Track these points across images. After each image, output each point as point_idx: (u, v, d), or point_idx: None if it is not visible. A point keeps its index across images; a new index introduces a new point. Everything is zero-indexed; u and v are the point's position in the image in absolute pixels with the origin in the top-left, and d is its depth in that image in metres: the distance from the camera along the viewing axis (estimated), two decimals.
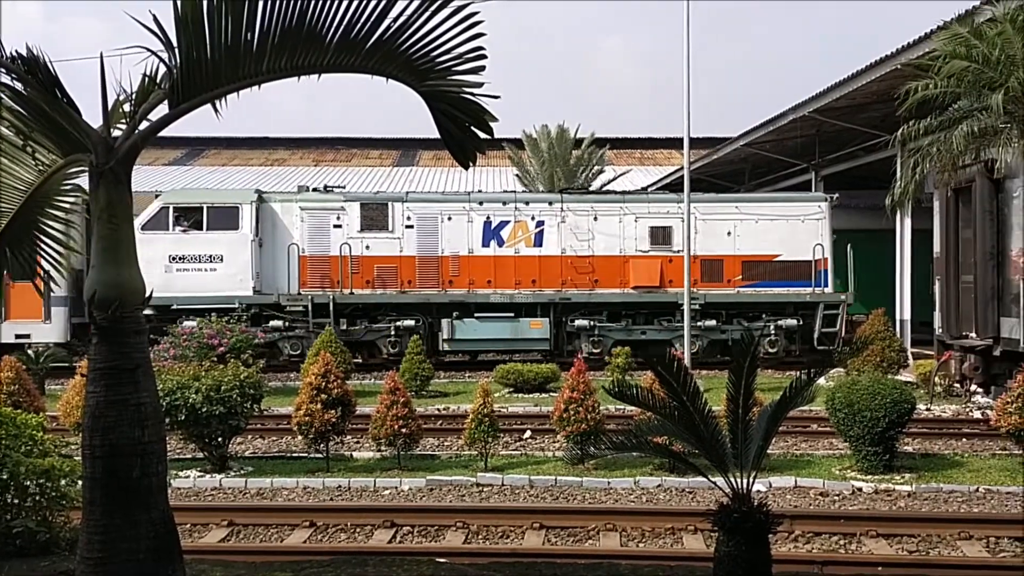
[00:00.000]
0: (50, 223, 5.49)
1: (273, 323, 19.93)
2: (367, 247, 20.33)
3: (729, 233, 20.63)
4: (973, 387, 15.43)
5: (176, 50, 4.31)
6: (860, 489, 9.56)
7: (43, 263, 5.60)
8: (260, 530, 8.29)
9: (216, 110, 4.60)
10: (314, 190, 21.69)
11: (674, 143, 44.39)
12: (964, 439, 12.50)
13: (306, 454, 11.39)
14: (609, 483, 9.82)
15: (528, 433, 12.97)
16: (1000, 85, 11.21)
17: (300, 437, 11.08)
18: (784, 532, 7.72)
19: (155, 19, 4.21)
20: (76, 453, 7.89)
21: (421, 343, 17.29)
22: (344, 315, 20.15)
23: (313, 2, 4.19)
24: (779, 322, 20.11)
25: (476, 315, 20.26)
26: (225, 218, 19.86)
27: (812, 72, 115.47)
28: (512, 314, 20.29)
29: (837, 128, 20.09)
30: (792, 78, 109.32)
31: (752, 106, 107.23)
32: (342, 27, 4.28)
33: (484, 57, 4.43)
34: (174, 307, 19.15)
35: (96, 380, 4.51)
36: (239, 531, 8.28)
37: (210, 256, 19.67)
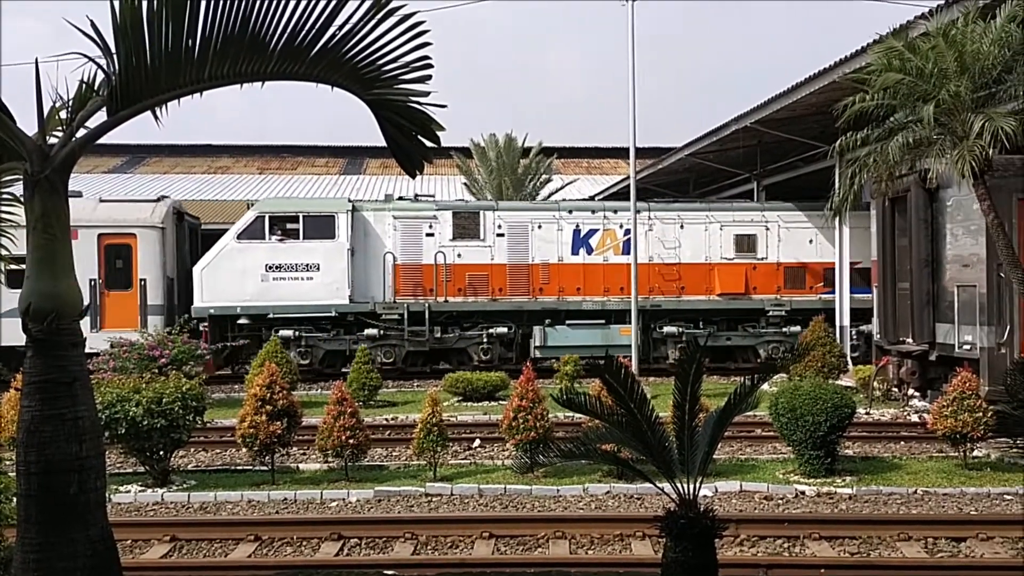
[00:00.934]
0: None
1: (368, 331, 20.14)
2: (459, 255, 20.68)
3: (811, 241, 21.55)
4: (910, 391, 15.82)
5: (115, 56, 4.23)
6: (803, 492, 9.74)
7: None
8: (203, 545, 8.13)
9: (156, 117, 4.52)
10: (400, 198, 21.86)
11: (620, 152, 44.86)
12: (902, 442, 12.82)
13: (251, 467, 11.22)
14: (558, 491, 9.84)
15: (477, 442, 12.95)
16: (933, 97, 11.55)
17: (244, 449, 10.91)
18: (730, 536, 7.82)
19: (93, 25, 4.13)
20: (11, 469, 7.65)
21: (369, 352, 17.16)
22: (436, 323, 20.52)
23: (257, 9, 4.15)
24: (860, 327, 20.50)
25: (567, 322, 20.68)
26: (321, 227, 20.08)
27: (756, 84, 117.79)
28: (603, 321, 20.82)
29: (778, 139, 20.49)
30: (737, 89, 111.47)
31: (697, 117, 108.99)
32: (286, 34, 4.25)
33: (431, 66, 4.44)
34: (270, 316, 19.62)
35: (31, 394, 4.39)
36: (182, 547, 8.10)
37: (307, 265, 19.91)
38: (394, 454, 12.31)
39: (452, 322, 20.81)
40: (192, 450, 12.45)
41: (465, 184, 35.30)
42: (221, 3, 4.15)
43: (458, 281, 20.63)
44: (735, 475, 10.48)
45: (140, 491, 10.08)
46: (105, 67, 4.29)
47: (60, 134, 4.62)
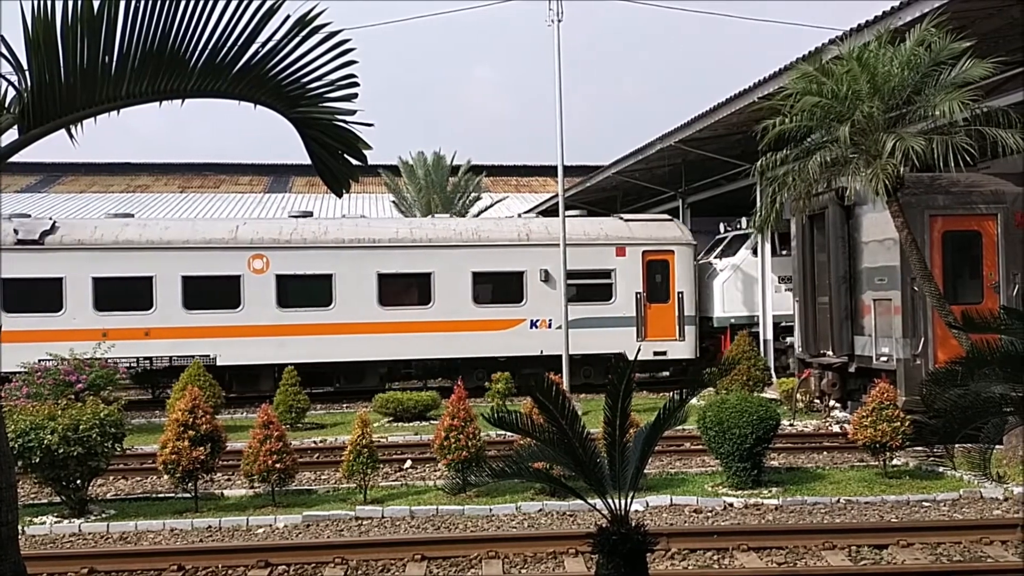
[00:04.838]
0: None
1: None
2: None
3: None
4: (832, 402, 16.25)
5: (27, 72, 4.08)
6: (731, 504, 9.89)
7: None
8: None
9: (71, 135, 4.38)
10: None
11: (548, 171, 45.15)
12: (825, 452, 13.15)
13: (173, 494, 10.88)
14: (491, 510, 9.79)
15: (408, 463, 12.80)
16: (847, 118, 11.97)
17: (166, 476, 10.57)
18: (661, 550, 7.90)
19: (2, 39, 3.98)
20: None
21: (296, 374, 16.85)
22: None
23: (176, 25, 4.05)
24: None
25: None
26: None
27: (679, 105, 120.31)
28: None
29: (701, 157, 20.97)
30: (661, 109, 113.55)
31: (622, 136, 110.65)
32: (207, 51, 4.17)
33: (357, 84, 4.40)
34: (782, 324, 20.34)
35: None
36: None
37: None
38: (323, 477, 12.09)
39: None
40: (111, 478, 12.02)
41: (394, 202, 35.11)
42: (139, 19, 4.05)
43: None
44: (665, 489, 10.59)
45: (56, 522, 9.68)
46: (16, 84, 4.14)
47: None
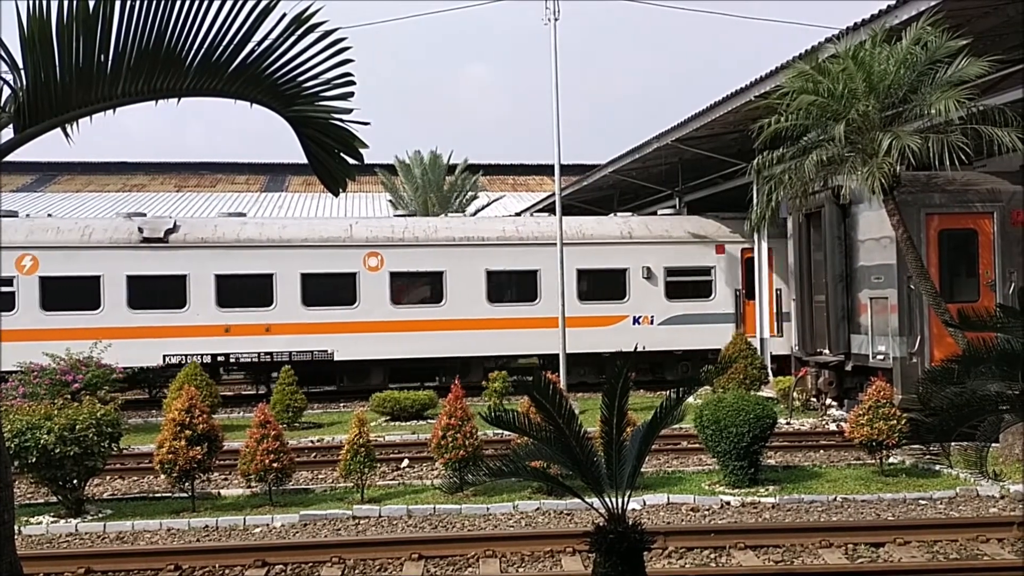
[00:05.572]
0: None
1: None
2: None
3: None
4: (828, 401, 16.28)
5: (22, 71, 4.06)
6: (728, 503, 9.89)
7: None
8: None
9: (67, 134, 4.36)
10: None
11: (545, 170, 45.26)
12: (822, 450, 13.17)
13: (170, 494, 10.87)
14: (488, 509, 9.79)
15: (406, 462, 12.80)
16: (843, 117, 11.98)
17: (163, 476, 10.55)
18: (658, 549, 7.90)
19: None
20: None
21: (292, 373, 16.85)
22: None
23: (172, 24, 4.04)
24: None
25: None
26: None
27: (676, 104, 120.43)
28: None
29: (698, 156, 20.96)
30: (657, 108, 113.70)
31: (620, 134, 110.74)
32: (203, 50, 4.15)
33: (353, 83, 4.39)
34: None
35: None
36: None
37: None
38: (320, 477, 12.08)
39: None
40: (108, 478, 12.00)
41: (390, 201, 35.10)
42: (135, 17, 4.03)
43: None
44: (662, 487, 10.59)
45: (52, 522, 9.66)
46: (12, 82, 4.12)
47: None
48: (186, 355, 19.06)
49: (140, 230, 19.45)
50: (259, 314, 19.59)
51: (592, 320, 20.74)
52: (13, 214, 21.02)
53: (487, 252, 20.69)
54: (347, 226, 21.01)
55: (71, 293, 18.84)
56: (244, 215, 23.31)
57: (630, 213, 24.24)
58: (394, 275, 20.30)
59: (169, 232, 19.57)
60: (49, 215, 24.90)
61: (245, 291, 19.64)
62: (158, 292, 19.32)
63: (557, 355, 19.22)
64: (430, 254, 20.47)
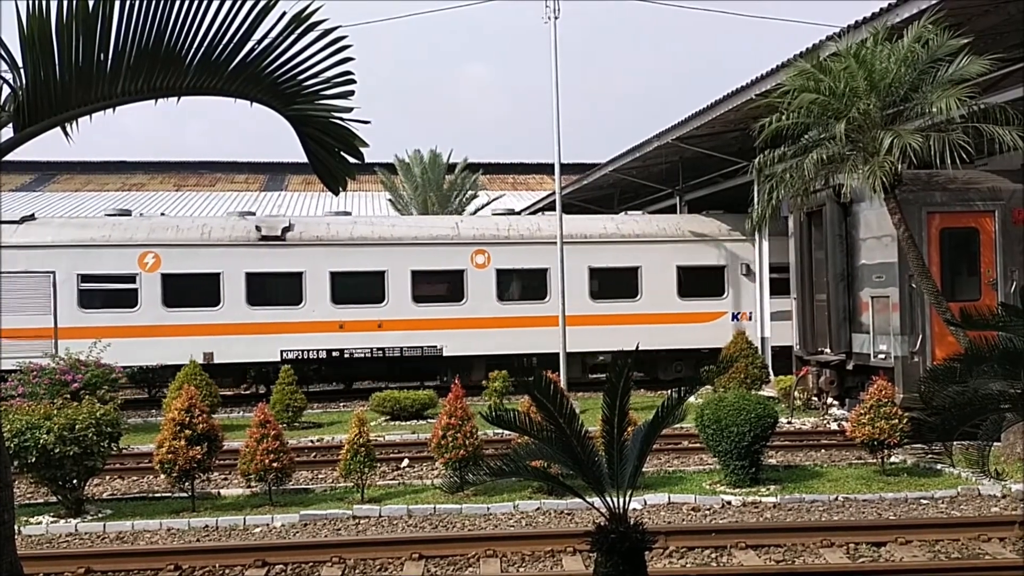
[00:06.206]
0: None
1: None
2: None
3: None
4: (829, 400, 16.27)
5: (22, 70, 4.05)
6: (729, 503, 9.88)
7: None
8: None
9: (66, 134, 4.35)
10: None
11: (545, 168, 45.22)
12: (823, 450, 13.15)
13: (170, 494, 10.85)
14: (489, 508, 9.77)
15: (406, 462, 12.79)
16: (844, 115, 11.96)
17: (163, 476, 10.54)
18: (660, 549, 7.88)
19: None
20: None
21: (292, 372, 16.83)
22: None
23: (172, 22, 4.02)
24: None
25: None
26: None
27: (676, 103, 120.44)
28: None
29: (699, 155, 20.95)
30: (659, 107, 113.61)
31: (620, 133, 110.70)
32: (203, 49, 4.14)
33: (353, 81, 4.37)
34: None
35: None
36: None
37: None
38: (320, 476, 12.07)
39: None
40: (107, 478, 11.98)
41: (390, 200, 35.06)
42: (134, 16, 4.02)
43: None
44: (663, 487, 10.58)
45: (52, 522, 9.65)
46: (11, 81, 4.11)
47: None
48: (302, 351, 19.53)
49: (258, 228, 19.83)
50: (372, 310, 19.94)
51: (692, 316, 21.06)
52: (126, 213, 21.37)
53: (589, 250, 20.94)
54: (453, 224, 21.50)
55: (192, 290, 19.19)
56: (349, 213, 23.77)
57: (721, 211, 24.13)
58: (500, 272, 20.61)
59: (286, 230, 19.93)
60: (161, 214, 25.39)
61: (358, 288, 20.02)
62: (276, 289, 19.72)
63: (659, 350, 19.71)
64: (535, 251, 20.64)
